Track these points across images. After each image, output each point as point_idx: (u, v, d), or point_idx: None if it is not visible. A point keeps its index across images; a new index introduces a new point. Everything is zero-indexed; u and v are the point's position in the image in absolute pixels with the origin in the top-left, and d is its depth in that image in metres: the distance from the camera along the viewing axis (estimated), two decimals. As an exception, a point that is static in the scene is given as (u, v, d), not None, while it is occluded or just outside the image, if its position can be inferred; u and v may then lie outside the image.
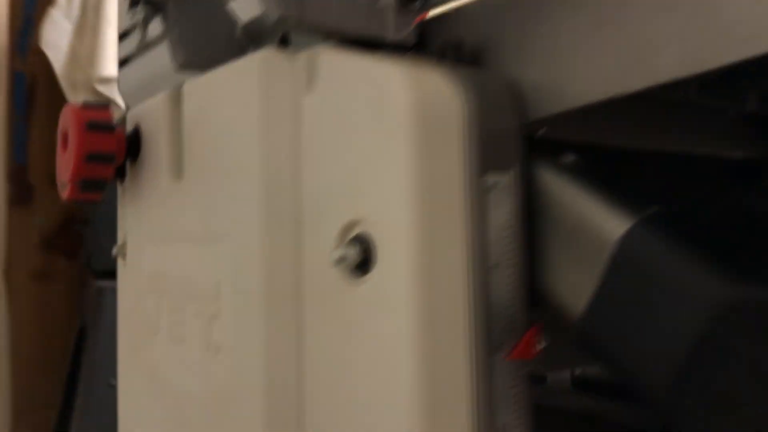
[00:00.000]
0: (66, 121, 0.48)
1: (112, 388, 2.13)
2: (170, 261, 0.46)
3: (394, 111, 0.31)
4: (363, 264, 0.32)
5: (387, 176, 0.31)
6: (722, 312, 0.25)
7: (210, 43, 0.45)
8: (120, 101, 2.14)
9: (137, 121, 0.51)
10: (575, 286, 0.31)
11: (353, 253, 0.32)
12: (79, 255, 2.58)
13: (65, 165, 0.48)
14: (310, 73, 0.36)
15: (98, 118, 0.47)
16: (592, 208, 0.31)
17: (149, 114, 0.49)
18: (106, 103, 0.49)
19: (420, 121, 0.31)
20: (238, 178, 0.38)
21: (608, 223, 0.30)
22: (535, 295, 0.33)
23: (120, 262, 0.57)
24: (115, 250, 0.56)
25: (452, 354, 0.30)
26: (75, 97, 2.21)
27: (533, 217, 0.33)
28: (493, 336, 0.31)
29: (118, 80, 0.81)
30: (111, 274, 2.37)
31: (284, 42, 0.45)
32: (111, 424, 2.06)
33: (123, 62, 0.80)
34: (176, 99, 0.45)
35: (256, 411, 0.36)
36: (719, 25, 0.26)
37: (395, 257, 0.30)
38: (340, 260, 0.32)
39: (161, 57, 0.73)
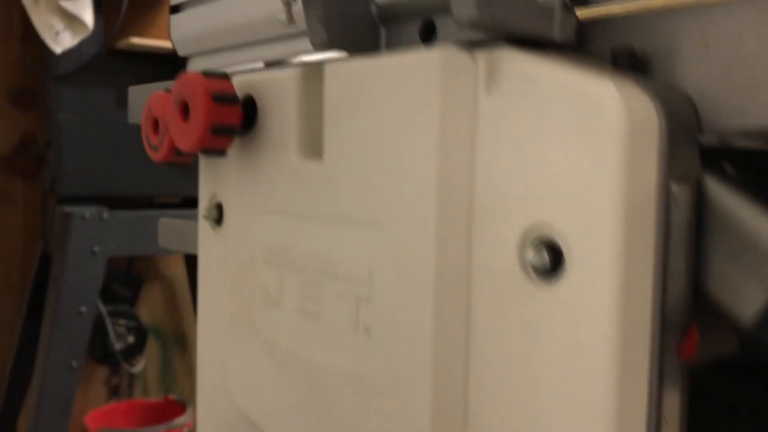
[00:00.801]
0: (188, 89, 0.47)
1: (82, 316, 2.11)
2: (301, 237, 0.46)
3: (606, 128, 0.32)
4: (552, 269, 0.34)
5: (590, 188, 0.33)
6: None
7: (348, 23, 0.45)
8: (89, 21, 2.05)
9: (248, 91, 0.50)
10: (745, 295, 0.34)
11: (546, 258, 0.34)
12: (39, 178, 2.51)
13: (185, 136, 0.48)
14: (491, 75, 0.37)
15: (224, 90, 0.47)
16: (765, 222, 0.34)
17: (271, 88, 0.48)
18: (225, 73, 0.49)
19: (630, 139, 0.32)
20: (407, 170, 0.39)
21: None
22: (699, 299, 0.36)
23: (206, 224, 0.57)
24: (204, 213, 0.56)
25: (640, 361, 0.33)
26: (36, 13, 2.10)
27: (702, 227, 0.36)
28: (665, 341, 0.34)
29: (170, 26, 0.79)
30: (76, 199, 2.31)
31: (428, 29, 0.45)
32: (79, 352, 2.04)
33: (175, 8, 0.78)
34: (314, 78, 0.45)
35: (421, 397, 0.38)
36: None
37: (593, 265, 0.32)
38: (535, 265, 0.34)
39: (226, 11, 0.71)
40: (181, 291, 2.74)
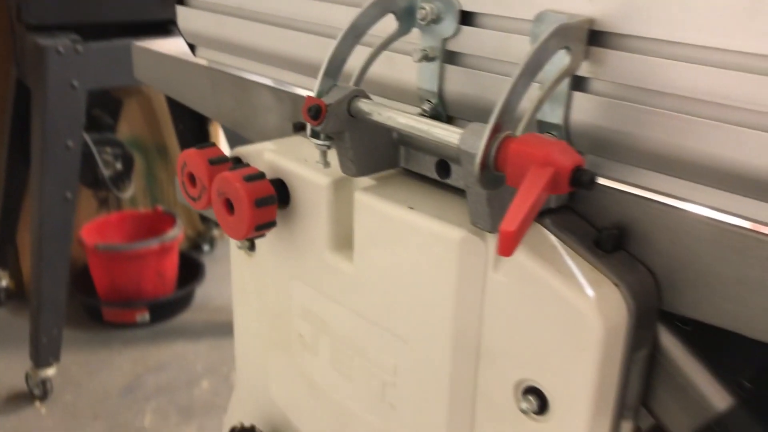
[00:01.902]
0: (231, 191, 0.53)
1: (69, 150, 2.17)
2: (334, 315, 0.56)
3: (586, 336, 0.42)
4: (539, 411, 0.46)
5: (574, 365, 0.43)
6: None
7: (373, 154, 0.51)
8: None
9: (280, 176, 0.56)
10: (677, 420, 0.47)
11: (535, 405, 0.46)
12: (3, 4, 2.40)
13: (231, 228, 0.55)
14: (497, 257, 0.45)
15: (264, 193, 0.53)
16: (701, 376, 0.45)
17: (303, 186, 0.54)
18: (262, 174, 0.54)
19: (605, 342, 0.42)
20: (428, 310, 0.48)
21: (714, 395, 0.45)
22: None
23: (239, 251, 0.66)
24: (237, 244, 0.65)
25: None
26: None
27: (655, 367, 0.47)
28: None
29: (177, 16, 0.79)
30: (45, 28, 2.25)
31: (443, 167, 0.51)
32: (72, 184, 2.12)
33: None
34: (343, 192, 0.52)
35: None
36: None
37: (571, 412, 0.44)
38: (528, 407, 0.46)
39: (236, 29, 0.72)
40: (159, 104, 2.77)
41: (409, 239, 0.48)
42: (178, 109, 2.60)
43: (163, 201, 2.89)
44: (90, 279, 2.57)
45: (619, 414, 0.46)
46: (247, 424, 0.68)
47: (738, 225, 0.42)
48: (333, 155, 0.51)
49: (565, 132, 0.46)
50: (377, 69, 0.53)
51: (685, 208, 0.44)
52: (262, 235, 0.57)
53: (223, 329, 2.62)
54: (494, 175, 0.40)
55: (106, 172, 2.21)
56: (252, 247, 0.65)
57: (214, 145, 0.62)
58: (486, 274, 0.46)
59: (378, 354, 0.53)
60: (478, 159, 0.39)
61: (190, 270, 2.75)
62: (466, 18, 0.49)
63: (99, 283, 2.55)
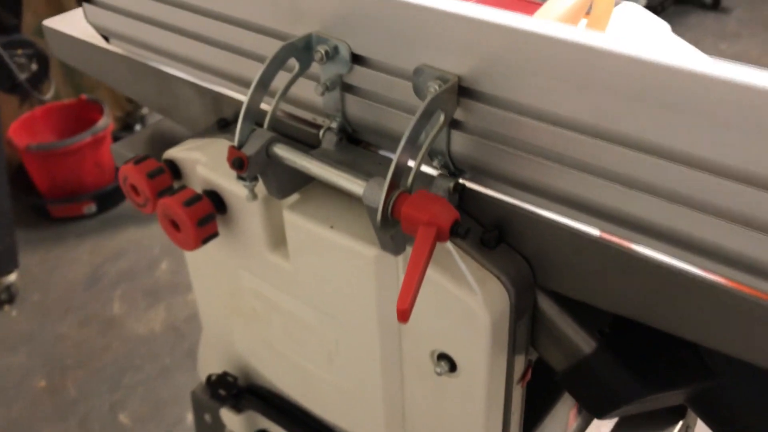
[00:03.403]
0: (176, 215, 0.61)
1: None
2: (280, 301, 0.67)
3: (478, 326, 0.55)
4: (450, 371, 0.60)
5: (470, 342, 0.57)
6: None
7: (296, 180, 0.59)
8: None
9: (214, 189, 0.64)
10: (556, 359, 0.61)
11: (446, 367, 0.59)
12: None
13: (182, 241, 0.64)
14: (405, 266, 0.57)
15: (205, 213, 0.62)
16: (570, 327, 0.59)
17: (237, 198, 0.63)
18: (200, 196, 0.62)
19: (493, 326, 0.55)
20: (357, 302, 0.60)
21: (581, 341, 0.59)
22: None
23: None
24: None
25: (498, 400, 0.61)
26: None
27: (536, 322, 0.60)
28: (512, 384, 0.62)
29: (84, 12, 0.80)
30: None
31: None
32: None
33: (85, -4, 0.79)
34: (273, 203, 0.61)
35: (377, 405, 0.66)
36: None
37: (474, 370, 0.58)
38: (441, 370, 0.59)
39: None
40: (59, -13, 2.65)
41: (333, 253, 0.59)
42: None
43: (85, 87, 2.85)
44: (28, 177, 2.59)
45: (512, 357, 0.61)
46: (219, 371, 0.81)
47: (577, 228, 0.53)
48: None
49: (448, 156, 0.56)
50: (294, 89, 0.60)
51: (543, 213, 0.55)
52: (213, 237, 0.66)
53: (171, 208, 2.72)
54: (391, 221, 0.50)
55: (22, 76, 2.17)
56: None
57: (147, 157, 0.69)
58: (398, 277, 0.57)
59: (321, 330, 0.66)
60: (378, 213, 0.49)
61: (128, 155, 2.78)
62: (358, 59, 0.57)
63: (39, 182, 2.58)
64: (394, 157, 0.49)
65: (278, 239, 0.65)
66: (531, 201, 0.55)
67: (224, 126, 0.72)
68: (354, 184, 0.52)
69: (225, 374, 0.80)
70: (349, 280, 0.59)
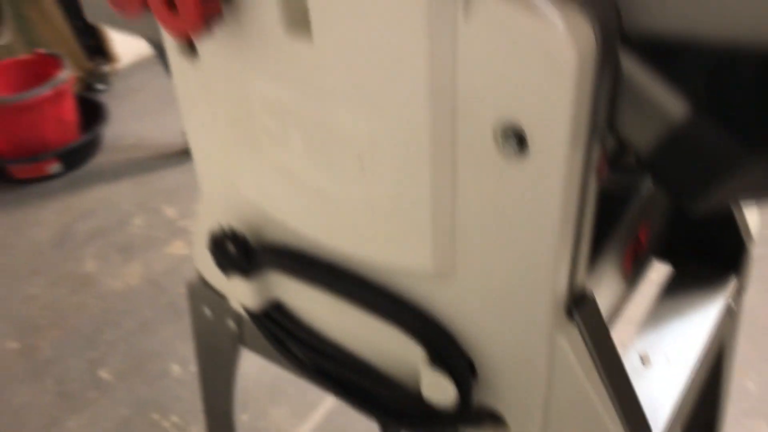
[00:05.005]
0: None
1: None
2: (298, 102, 0.55)
3: (562, 66, 0.44)
4: (519, 151, 0.49)
5: (551, 98, 0.46)
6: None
7: None
8: None
9: None
10: (641, 134, 0.51)
11: (514, 145, 0.48)
12: None
13: (178, 25, 0.52)
14: (466, 6, 0.46)
15: None
16: (660, 88, 0.49)
17: None
18: None
19: (578, 70, 0.44)
20: (401, 71, 0.49)
21: (673, 105, 0.49)
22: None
23: (183, 61, 0.63)
24: (178, 50, 0.62)
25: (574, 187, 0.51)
26: None
27: (619, 91, 0.50)
28: (591, 168, 0.52)
29: None
30: None
31: None
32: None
33: None
34: None
35: (421, 215, 0.55)
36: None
37: (550, 145, 0.48)
38: (508, 149, 0.48)
39: None
40: (7, -66, 2.48)
41: (371, 5, 0.47)
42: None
43: (41, 43, 2.69)
44: (-14, 138, 2.43)
45: (592, 133, 0.50)
46: (223, 225, 0.69)
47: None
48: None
49: None
50: None
51: None
52: (209, 31, 0.54)
53: (141, 166, 2.57)
54: None
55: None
56: (194, 50, 0.63)
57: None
58: (457, 26, 0.46)
59: (351, 131, 0.54)
60: None
61: (92, 112, 2.63)
62: None
63: (-2, 141, 2.43)
64: None
65: (297, 19, 0.53)
66: None
67: None
68: None
69: (232, 230, 0.68)
70: (390, 39, 0.48)
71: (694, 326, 0.80)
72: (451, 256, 0.57)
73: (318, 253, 0.67)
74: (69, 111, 2.50)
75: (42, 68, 2.49)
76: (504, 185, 0.51)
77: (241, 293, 0.72)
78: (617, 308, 0.76)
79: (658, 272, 0.86)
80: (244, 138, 0.63)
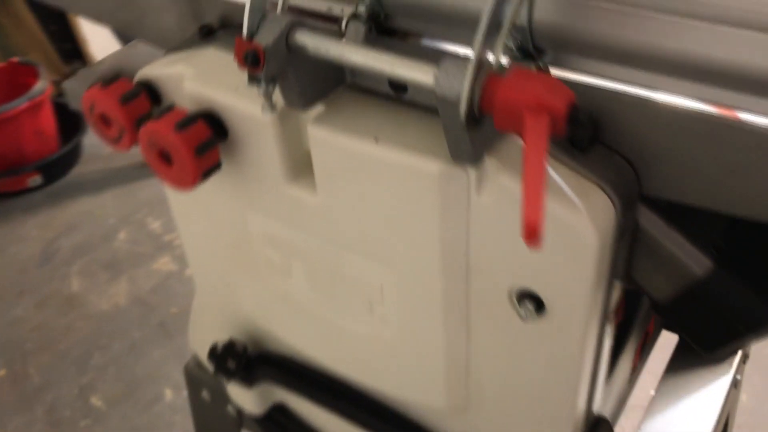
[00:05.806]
0: (166, 143, 0.47)
1: None
2: (301, 242, 0.53)
3: (583, 247, 0.42)
4: (537, 312, 0.47)
5: (568, 271, 0.44)
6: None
7: (321, 85, 0.45)
8: None
9: (210, 109, 0.50)
10: (660, 288, 0.50)
11: (531, 308, 0.47)
12: None
13: (177, 179, 0.49)
14: (479, 182, 0.43)
15: (203, 139, 0.47)
16: (680, 245, 0.47)
17: (242, 118, 0.48)
18: (195, 117, 0.47)
19: (601, 247, 0.42)
20: (413, 236, 0.47)
21: (693, 261, 0.47)
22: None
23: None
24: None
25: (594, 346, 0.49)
26: None
27: (636, 241, 0.48)
28: (606, 318, 0.50)
29: None
30: None
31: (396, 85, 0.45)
32: None
33: None
34: (289, 121, 0.46)
35: (433, 361, 0.53)
36: None
37: (569, 309, 0.46)
38: (526, 314, 0.47)
39: None
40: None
41: (381, 174, 0.45)
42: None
43: (15, 50, 2.61)
44: (-38, 152, 2.37)
45: (610, 288, 0.48)
46: (224, 339, 0.67)
47: (706, 111, 0.41)
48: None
49: (529, 32, 0.42)
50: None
51: (654, 96, 0.42)
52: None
53: (122, 175, 2.52)
54: (479, 114, 0.37)
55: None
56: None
57: (118, 77, 0.54)
58: (470, 199, 0.44)
59: (360, 277, 0.52)
60: (462, 107, 0.36)
61: (70, 121, 2.57)
62: None
63: (-26, 156, 2.37)
64: (483, 17, 0.35)
65: (299, 167, 0.51)
66: (636, 80, 0.42)
67: (208, 34, 0.57)
68: (419, 72, 0.38)
69: (232, 342, 0.66)
70: (401, 208, 0.46)
71: (702, 408, 0.79)
72: (464, 394, 0.56)
73: (323, 368, 0.65)
74: (47, 122, 2.44)
75: (17, 77, 2.42)
76: (520, 337, 0.50)
77: (241, 399, 0.71)
78: (625, 397, 0.76)
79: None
80: (243, 261, 0.61)
